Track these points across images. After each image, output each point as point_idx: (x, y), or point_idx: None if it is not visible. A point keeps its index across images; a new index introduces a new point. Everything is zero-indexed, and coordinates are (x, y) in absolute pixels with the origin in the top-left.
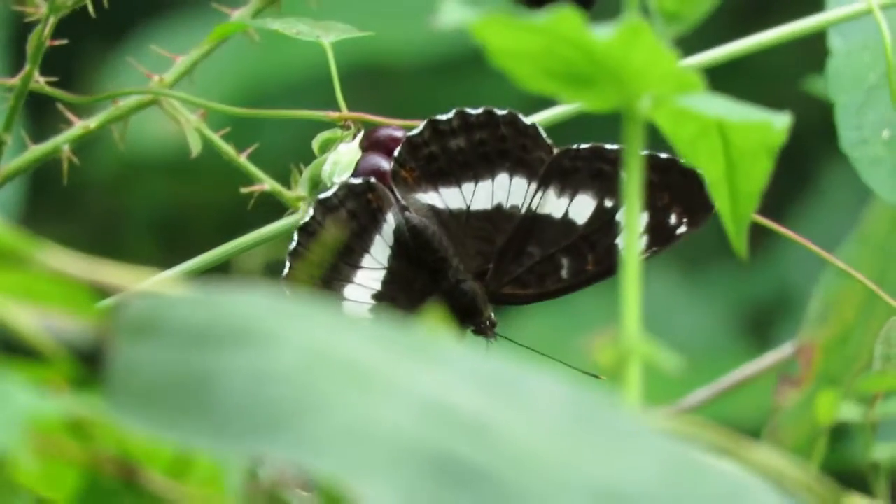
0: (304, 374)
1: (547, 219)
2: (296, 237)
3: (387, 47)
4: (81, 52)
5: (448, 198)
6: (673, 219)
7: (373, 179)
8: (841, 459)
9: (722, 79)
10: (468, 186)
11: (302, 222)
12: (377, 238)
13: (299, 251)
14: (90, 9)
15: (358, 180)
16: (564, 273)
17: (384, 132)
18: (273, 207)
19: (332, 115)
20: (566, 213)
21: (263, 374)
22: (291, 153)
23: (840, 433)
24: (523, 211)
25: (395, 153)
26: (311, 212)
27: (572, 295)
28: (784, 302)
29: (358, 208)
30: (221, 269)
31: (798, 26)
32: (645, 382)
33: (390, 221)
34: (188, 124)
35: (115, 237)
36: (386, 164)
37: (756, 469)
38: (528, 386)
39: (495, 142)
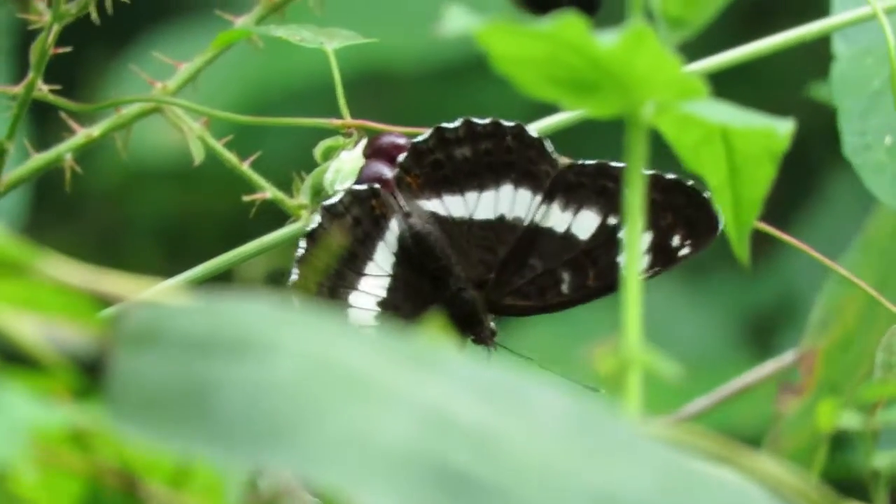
0: (304, 383)
1: (550, 232)
2: (302, 244)
3: (390, 54)
4: (84, 60)
5: (451, 206)
6: (676, 240)
7: (377, 186)
8: (842, 467)
9: (725, 85)
10: (472, 195)
11: (308, 229)
12: (381, 245)
13: (306, 257)
14: (94, 16)
15: (362, 186)
16: (565, 287)
17: (387, 140)
18: (275, 215)
19: (335, 122)
20: (569, 228)
21: (264, 383)
22: (294, 161)
23: (841, 441)
24: (526, 223)
25: (400, 159)
26: (317, 218)
27: None
28: (786, 309)
29: (362, 215)
30: (223, 278)
31: (802, 31)
32: (645, 391)
33: (394, 228)
34: (191, 132)
35: (117, 246)
36: (388, 172)
37: (755, 478)
38: (528, 395)
39: (501, 153)
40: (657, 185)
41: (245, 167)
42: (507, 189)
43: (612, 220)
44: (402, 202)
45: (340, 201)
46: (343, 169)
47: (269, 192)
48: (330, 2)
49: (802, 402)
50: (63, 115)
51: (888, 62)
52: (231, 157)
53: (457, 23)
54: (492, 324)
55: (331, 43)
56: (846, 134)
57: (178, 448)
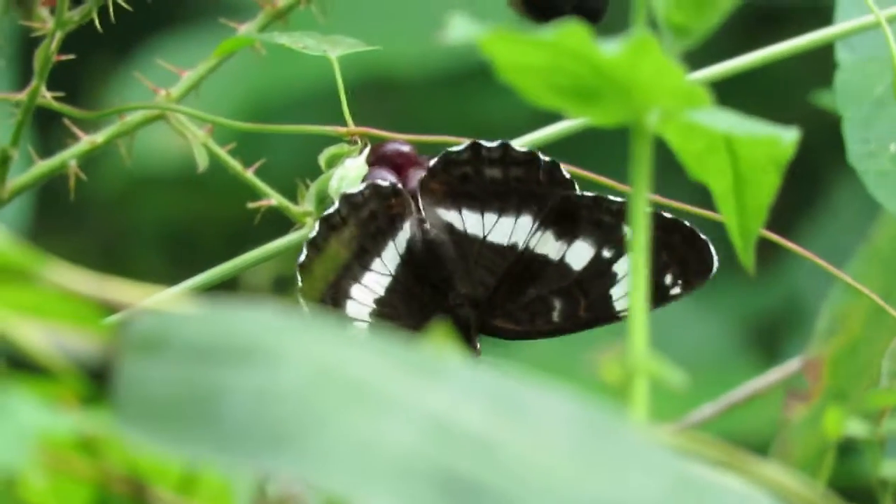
0: (310, 390)
1: (543, 259)
2: (317, 227)
3: (394, 62)
4: (88, 68)
5: (468, 221)
6: (668, 279)
7: (399, 185)
8: (849, 475)
9: (729, 93)
10: (490, 217)
11: (325, 214)
12: (390, 244)
13: (318, 242)
14: (97, 24)
15: (386, 182)
16: (556, 315)
17: (391, 147)
18: (280, 222)
19: (339, 130)
20: (563, 257)
21: (270, 390)
22: (298, 168)
23: (848, 448)
24: (521, 247)
25: (431, 164)
26: (335, 205)
27: None
28: (792, 317)
29: (380, 210)
30: (228, 285)
31: (806, 40)
32: (652, 398)
33: (406, 230)
34: (195, 139)
35: (121, 252)
36: (393, 179)
37: (762, 485)
38: (533, 403)
39: (530, 183)
40: (657, 223)
41: (249, 174)
42: (525, 220)
43: (606, 253)
44: (421, 207)
45: (361, 192)
46: (347, 176)
47: (274, 198)
48: (333, 9)
49: (809, 409)
50: (67, 121)
51: (891, 70)
52: (235, 164)
53: (460, 31)
54: (478, 344)
55: (334, 50)
56: (850, 141)
57: (185, 454)
